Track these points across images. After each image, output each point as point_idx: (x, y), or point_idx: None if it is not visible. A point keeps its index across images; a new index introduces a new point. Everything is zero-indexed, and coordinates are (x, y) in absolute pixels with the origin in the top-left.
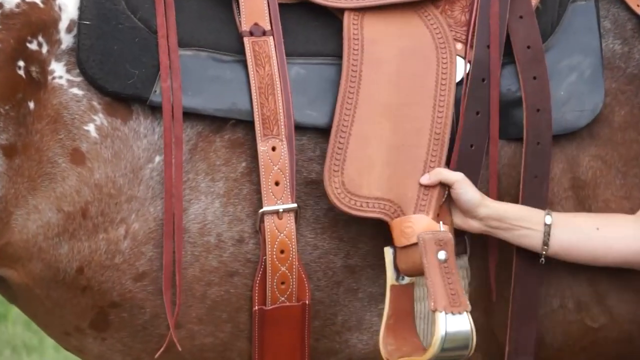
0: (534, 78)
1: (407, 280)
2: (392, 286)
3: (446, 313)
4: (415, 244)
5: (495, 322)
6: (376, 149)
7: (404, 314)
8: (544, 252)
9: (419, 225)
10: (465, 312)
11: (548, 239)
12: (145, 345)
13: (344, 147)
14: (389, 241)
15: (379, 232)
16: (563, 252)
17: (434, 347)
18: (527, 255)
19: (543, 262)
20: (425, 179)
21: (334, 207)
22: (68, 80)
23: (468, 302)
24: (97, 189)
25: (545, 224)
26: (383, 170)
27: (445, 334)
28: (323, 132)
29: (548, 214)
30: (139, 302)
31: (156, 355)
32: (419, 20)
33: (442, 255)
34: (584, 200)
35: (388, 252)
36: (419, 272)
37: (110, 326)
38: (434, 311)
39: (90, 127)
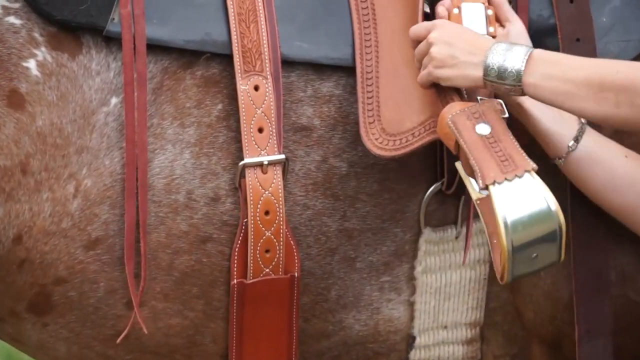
0: (571, 2)
1: (485, 192)
2: (480, 200)
3: (499, 183)
4: None
5: None
6: (409, 75)
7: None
8: (570, 149)
9: (449, 111)
10: (526, 173)
11: (581, 136)
12: (97, 331)
13: (374, 94)
14: (394, 198)
15: (382, 187)
16: (585, 161)
17: (503, 238)
18: (587, 224)
19: (562, 163)
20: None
21: (375, 155)
22: (3, 7)
23: (530, 161)
24: (40, 138)
25: (581, 122)
26: (423, 92)
27: (506, 211)
28: (315, 68)
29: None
30: (90, 276)
31: (118, 340)
32: None
33: (482, 129)
34: (620, 141)
35: (459, 165)
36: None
37: (53, 308)
38: (483, 188)
39: (31, 64)
